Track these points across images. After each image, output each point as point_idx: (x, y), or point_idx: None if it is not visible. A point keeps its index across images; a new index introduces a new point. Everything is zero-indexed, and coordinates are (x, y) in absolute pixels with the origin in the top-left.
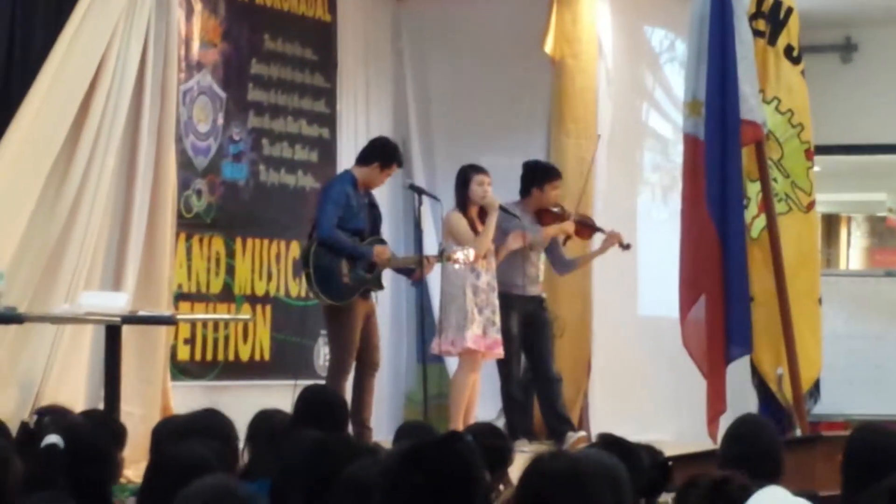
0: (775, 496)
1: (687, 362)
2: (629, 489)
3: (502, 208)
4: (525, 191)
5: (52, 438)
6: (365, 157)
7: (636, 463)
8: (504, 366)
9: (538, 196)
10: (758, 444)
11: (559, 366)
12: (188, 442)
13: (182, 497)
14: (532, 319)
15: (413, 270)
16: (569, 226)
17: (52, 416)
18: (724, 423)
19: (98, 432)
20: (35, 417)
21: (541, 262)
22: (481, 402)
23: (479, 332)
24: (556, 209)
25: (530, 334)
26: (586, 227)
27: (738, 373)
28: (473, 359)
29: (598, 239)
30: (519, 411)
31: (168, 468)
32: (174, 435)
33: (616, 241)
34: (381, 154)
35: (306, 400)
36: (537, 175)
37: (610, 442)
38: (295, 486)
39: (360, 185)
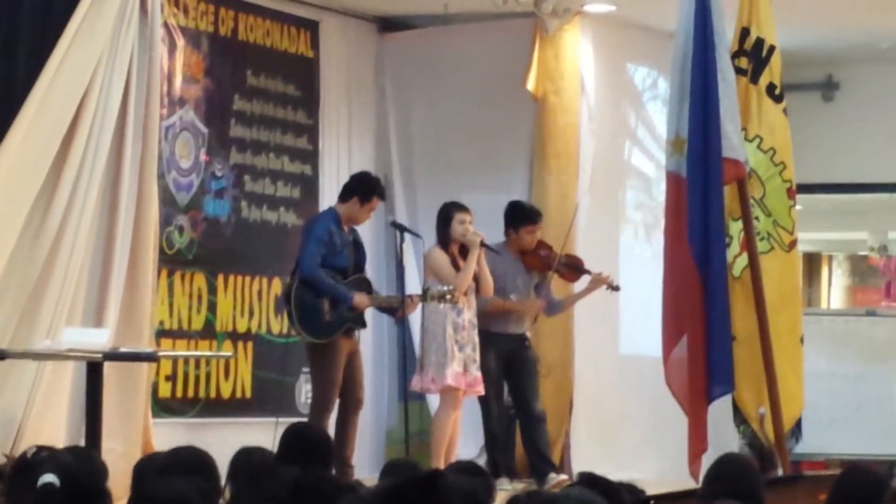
0: None
1: (669, 401)
2: None
3: (484, 245)
4: (505, 232)
5: (49, 478)
6: (345, 194)
7: (617, 502)
8: (484, 404)
9: (514, 238)
10: (739, 483)
11: (542, 404)
12: (169, 478)
13: None
14: (513, 357)
15: (397, 309)
16: (533, 306)
17: (49, 453)
18: (706, 462)
19: (92, 469)
20: (34, 450)
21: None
22: (462, 440)
23: (460, 370)
24: (542, 252)
25: (512, 372)
26: (572, 270)
27: (719, 412)
28: (454, 396)
29: (585, 281)
30: (500, 449)
31: None
32: (155, 472)
33: (603, 283)
34: (360, 188)
35: (291, 437)
36: (513, 218)
37: (590, 481)
38: None
39: (344, 221)
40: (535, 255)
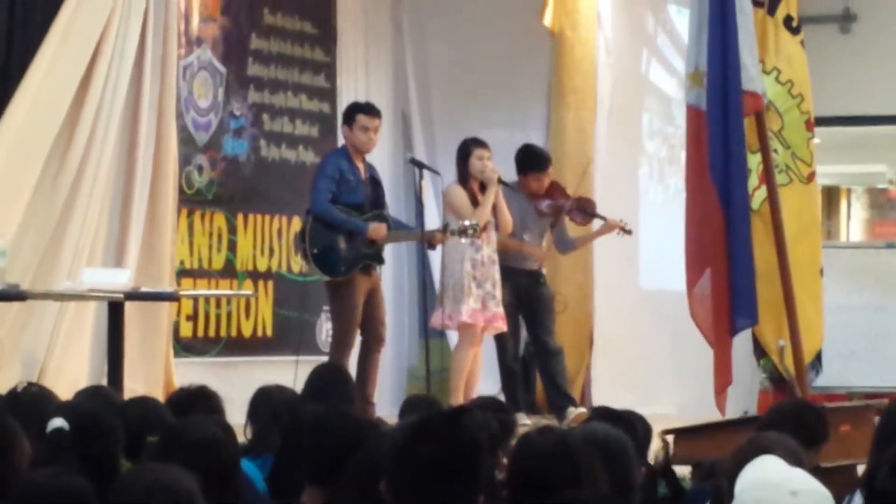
0: (770, 466)
1: (689, 335)
2: (634, 460)
3: (502, 182)
4: (517, 174)
5: (57, 422)
6: (342, 126)
7: (634, 432)
8: (500, 339)
9: (524, 183)
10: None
11: (562, 339)
12: (195, 418)
13: (121, 484)
14: (528, 293)
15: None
16: (539, 253)
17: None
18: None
19: (100, 408)
20: (25, 384)
21: (542, 246)
22: (483, 376)
23: (478, 306)
24: (554, 195)
25: (529, 308)
26: (583, 215)
27: (739, 346)
28: (472, 333)
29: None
30: (519, 384)
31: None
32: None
33: (615, 227)
34: (343, 116)
35: (315, 379)
36: (521, 163)
37: (605, 414)
38: (297, 462)
39: (354, 156)
40: (545, 201)
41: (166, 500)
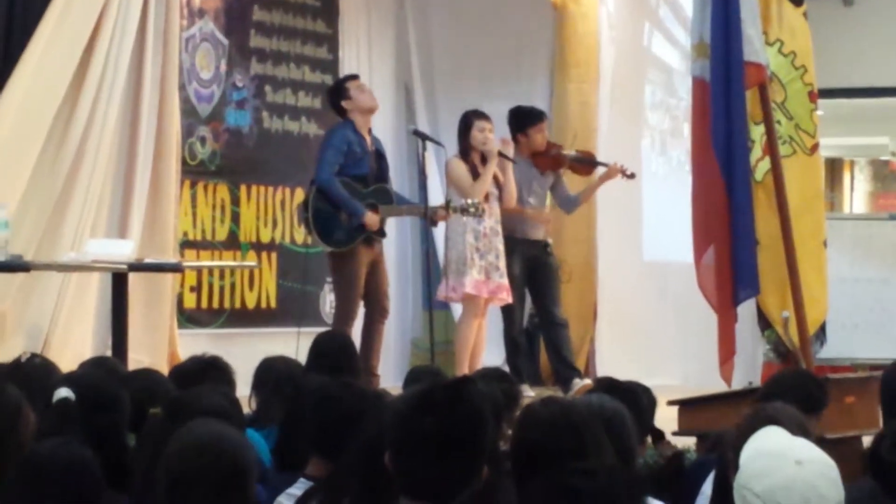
0: (775, 436)
1: (692, 307)
2: (633, 430)
3: (502, 155)
4: (513, 138)
5: (63, 392)
6: (333, 107)
7: (637, 403)
8: (507, 310)
9: (524, 142)
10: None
11: (566, 311)
12: (201, 389)
13: (175, 440)
14: (536, 264)
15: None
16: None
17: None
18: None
19: (105, 379)
20: (29, 355)
21: (545, 208)
22: (489, 348)
23: (481, 277)
24: (553, 150)
25: (536, 279)
26: (584, 164)
27: (744, 317)
28: (475, 304)
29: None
30: (523, 356)
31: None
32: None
33: (617, 173)
34: (331, 95)
35: (318, 347)
36: (519, 121)
37: (608, 386)
38: (302, 432)
39: (360, 127)
40: (546, 155)
41: (213, 455)
